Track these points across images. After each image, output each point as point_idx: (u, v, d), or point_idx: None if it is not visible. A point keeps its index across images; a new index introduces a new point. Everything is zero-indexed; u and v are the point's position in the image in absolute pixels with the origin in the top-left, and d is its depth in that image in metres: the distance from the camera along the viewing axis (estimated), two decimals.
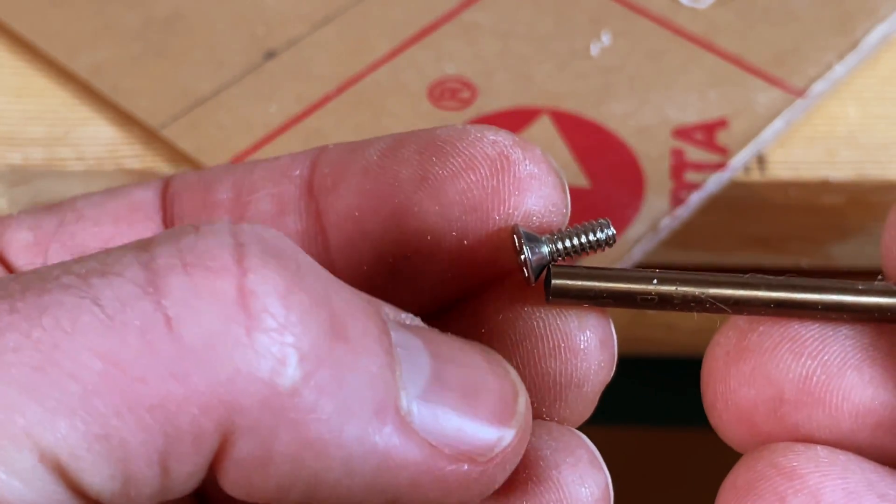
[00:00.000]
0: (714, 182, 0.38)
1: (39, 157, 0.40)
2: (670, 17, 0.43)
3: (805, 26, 0.43)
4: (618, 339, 0.44)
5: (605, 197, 0.38)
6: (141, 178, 0.40)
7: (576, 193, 0.38)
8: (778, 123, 0.40)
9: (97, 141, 0.41)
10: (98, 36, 0.43)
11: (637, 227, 0.37)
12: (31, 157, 0.40)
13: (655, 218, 0.37)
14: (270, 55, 0.42)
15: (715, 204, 0.39)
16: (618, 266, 0.36)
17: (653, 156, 0.39)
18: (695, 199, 0.38)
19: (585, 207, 0.37)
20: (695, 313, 0.25)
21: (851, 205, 0.40)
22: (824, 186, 0.39)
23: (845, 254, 0.41)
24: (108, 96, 0.41)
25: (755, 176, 0.39)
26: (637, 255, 0.37)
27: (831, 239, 0.41)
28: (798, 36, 0.42)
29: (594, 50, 0.42)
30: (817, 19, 0.43)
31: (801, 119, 0.41)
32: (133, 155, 0.40)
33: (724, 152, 0.39)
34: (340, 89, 0.41)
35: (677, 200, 0.38)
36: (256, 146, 0.39)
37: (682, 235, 0.40)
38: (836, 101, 0.41)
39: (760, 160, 0.40)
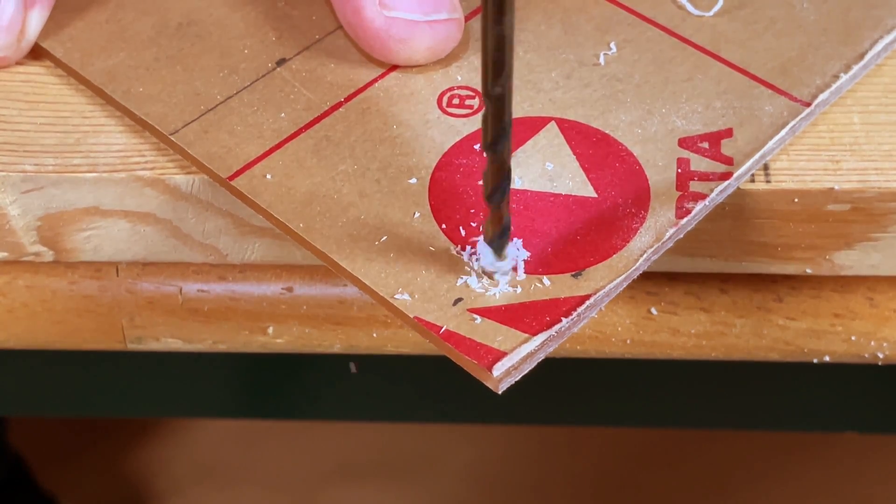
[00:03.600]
0: (719, 192, 0.38)
1: (51, 165, 0.40)
2: (677, 25, 0.43)
3: (811, 36, 0.43)
4: (622, 343, 0.45)
5: (612, 207, 0.38)
6: (153, 186, 0.40)
7: (583, 203, 0.38)
8: (783, 134, 0.40)
9: (109, 149, 0.41)
10: (111, 42, 0.43)
11: (643, 238, 0.37)
12: (43, 164, 0.40)
13: (661, 228, 0.38)
14: (281, 62, 0.43)
15: (720, 212, 0.40)
16: (622, 278, 0.37)
17: (659, 165, 0.39)
18: (700, 209, 0.38)
19: (592, 217, 0.38)
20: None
21: (856, 213, 0.40)
22: (829, 195, 0.39)
23: (850, 262, 0.42)
24: (120, 102, 0.42)
25: (760, 185, 0.39)
26: (643, 265, 0.37)
27: (836, 247, 0.41)
28: (804, 46, 0.42)
29: (601, 58, 0.42)
30: (823, 29, 0.43)
31: (805, 128, 0.41)
32: (145, 163, 0.40)
33: (730, 162, 0.39)
34: (350, 97, 0.42)
35: (682, 211, 0.38)
36: (266, 153, 0.40)
37: (688, 244, 0.40)
38: (840, 110, 0.42)
39: (765, 169, 0.40)
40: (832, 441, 1.18)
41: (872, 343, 0.44)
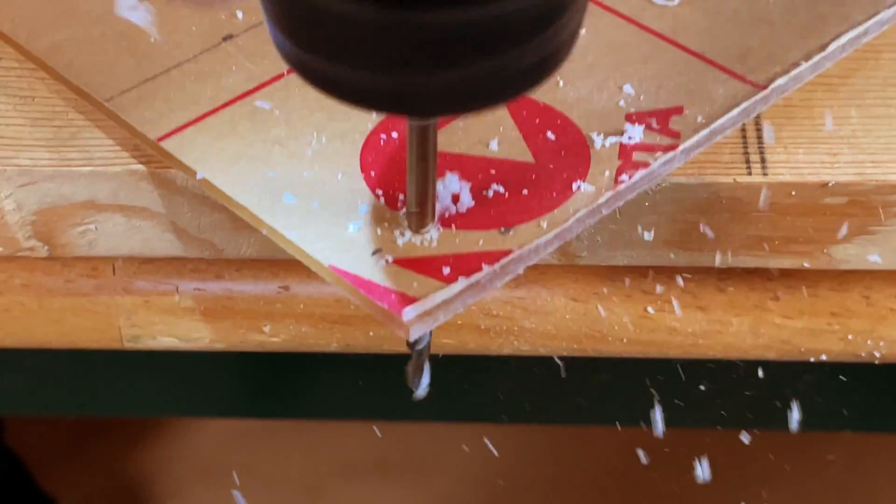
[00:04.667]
0: (663, 163, 0.38)
1: (46, 160, 0.40)
2: (637, 14, 0.43)
3: (774, 28, 0.42)
4: (619, 342, 0.45)
5: (549, 172, 0.38)
6: (148, 180, 0.40)
7: (519, 167, 0.38)
8: (735, 113, 0.39)
9: (104, 143, 0.41)
10: (60, 19, 0.44)
11: (577, 200, 0.37)
12: (38, 159, 0.40)
13: (597, 192, 0.37)
14: (228, 38, 0.43)
15: (717, 205, 0.40)
16: (552, 236, 0.36)
17: (602, 136, 0.39)
18: (640, 177, 0.38)
19: (527, 180, 0.38)
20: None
21: (853, 206, 0.40)
22: (826, 188, 0.39)
23: (847, 255, 0.41)
24: (61, 73, 0.42)
25: (757, 178, 0.39)
26: (575, 227, 0.37)
27: (833, 240, 0.41)
28: (766, 37, 0.42)
29: None
30: (789, 23, 0.43)
31: (802, 121, 0.41)
32: (140, 157, 0.40)
33: (677, 136, 0.39)
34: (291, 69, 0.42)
35: (621, 178, 0.38)
36: (200, 118, 0.40)
37: (684, 237, 0.40)
38: (838, 103, 0.41)
39: (762, 162, 0.40)
40: (829, 440, 1.18)
41: (869, 342, 0.44)
